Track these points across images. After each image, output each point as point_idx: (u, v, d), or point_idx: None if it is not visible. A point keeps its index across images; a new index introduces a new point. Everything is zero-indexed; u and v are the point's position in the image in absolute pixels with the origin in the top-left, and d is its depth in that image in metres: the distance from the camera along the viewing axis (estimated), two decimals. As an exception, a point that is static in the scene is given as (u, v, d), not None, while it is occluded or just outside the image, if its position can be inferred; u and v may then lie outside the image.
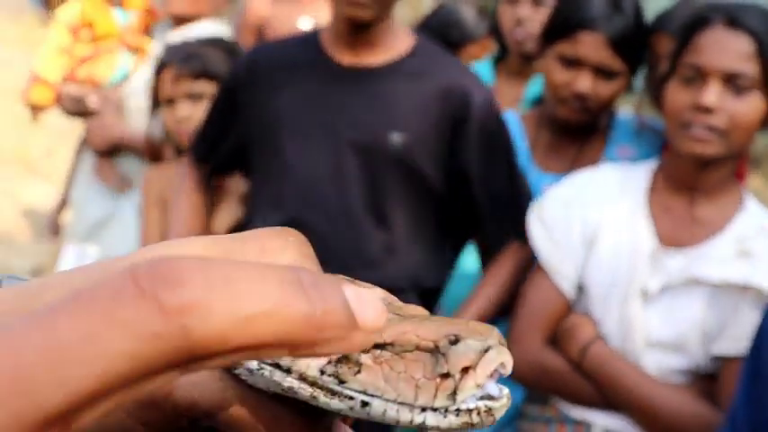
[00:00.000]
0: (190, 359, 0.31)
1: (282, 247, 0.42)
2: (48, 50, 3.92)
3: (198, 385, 0.41)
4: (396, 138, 2.13)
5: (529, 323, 2.13)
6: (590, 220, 2.12)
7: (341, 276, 0.42)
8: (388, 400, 0.40)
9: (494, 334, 0.40)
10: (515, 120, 2.56)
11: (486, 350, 0.39)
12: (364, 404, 0.41)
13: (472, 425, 0.40)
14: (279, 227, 0.44)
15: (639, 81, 2.59)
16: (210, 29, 3.41)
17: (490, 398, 0.40)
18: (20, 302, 0.41)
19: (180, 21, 3.53)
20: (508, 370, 0.40)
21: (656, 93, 2.30)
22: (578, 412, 2.10)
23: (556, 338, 2.13)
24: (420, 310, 0.44)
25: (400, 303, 0.45)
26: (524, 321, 2.14)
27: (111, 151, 3.60)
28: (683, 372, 2.03)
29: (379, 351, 0.41)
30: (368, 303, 0.34)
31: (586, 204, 2.14)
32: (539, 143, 2.53)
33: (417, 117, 2.15)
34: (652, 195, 2.11)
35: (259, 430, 0.43)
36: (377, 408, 0.40)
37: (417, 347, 0.40)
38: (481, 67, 3.08)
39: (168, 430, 0.32)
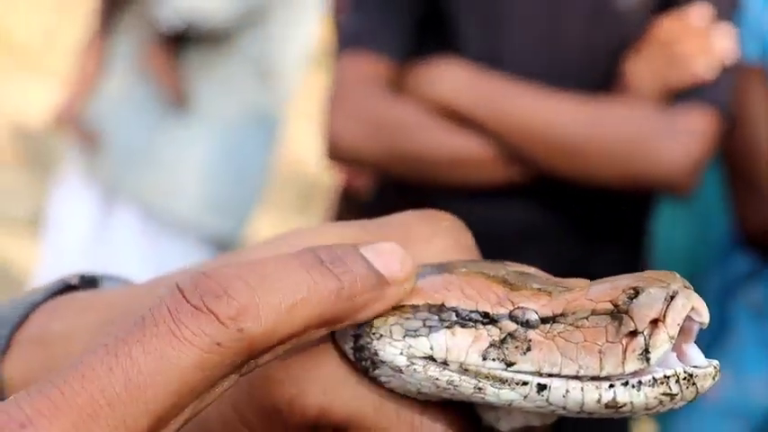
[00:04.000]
0: (248, 359, 0.35)
1: (431, 235, 0.41)
2: None
3: (329, 392, 0.39)
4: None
5: None
6: None
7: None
8: (568, 377, 0.35)
9: (676, 278, 0.36)
10: None
11: (673, 297, 0.35)
12: (541, 388, 0.36)
13: (672, 396, 0.34)
14: (431, 210, 0.41)
15: None
16: None
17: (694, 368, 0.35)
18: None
19: None
20: (703, 316, 0.36)
21: None
22: None
23: None
24: (583, 282, 0.39)
25: (559, 279, 0.41)
26: None
27: (178, 36, 2.37)
28: None
29: (548, 325, 0.36)
30: (390, 256, 0.35)
31: None
32: None
33: None
34: None
35: None
36: (557, 389, 0.35)
37: (593, 312, 0.36)
38: None
39: None
